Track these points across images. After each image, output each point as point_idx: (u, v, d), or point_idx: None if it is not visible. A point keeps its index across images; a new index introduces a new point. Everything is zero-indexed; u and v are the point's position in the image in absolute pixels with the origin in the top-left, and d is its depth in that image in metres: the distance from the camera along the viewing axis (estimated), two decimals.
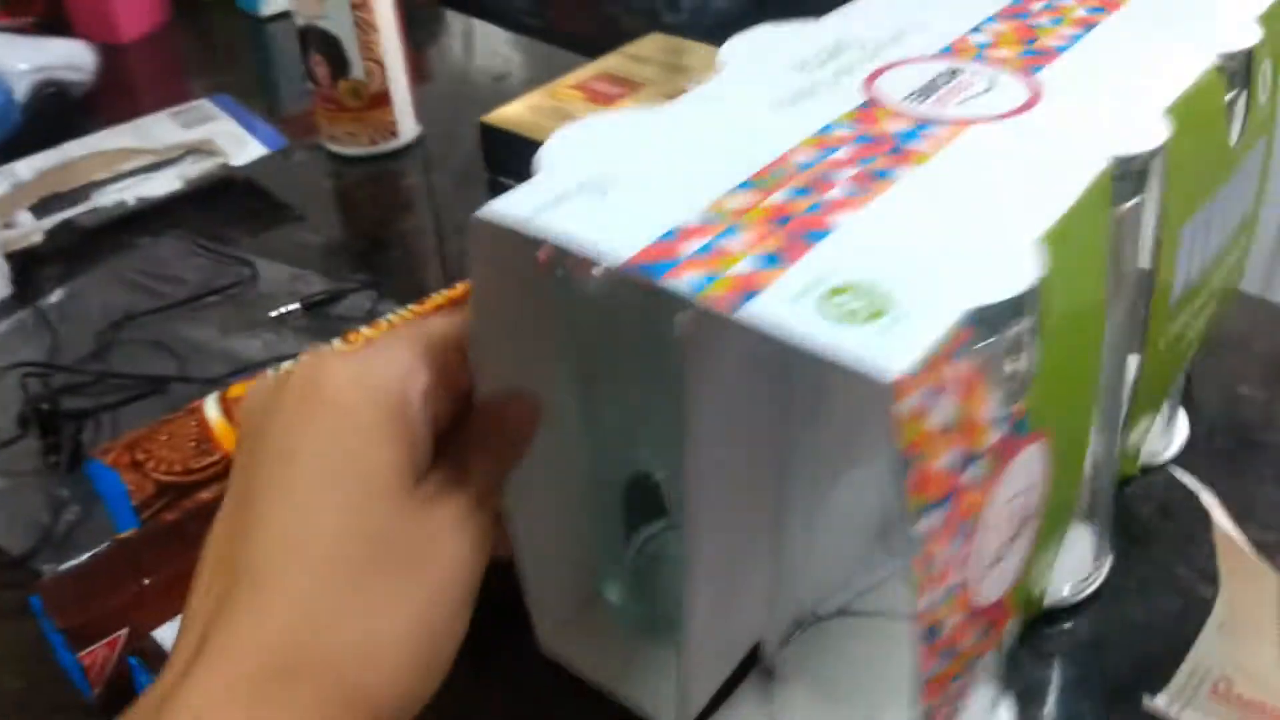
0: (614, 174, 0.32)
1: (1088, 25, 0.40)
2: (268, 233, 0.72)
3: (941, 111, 0.35)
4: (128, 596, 0.41)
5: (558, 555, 0.42)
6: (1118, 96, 0.35)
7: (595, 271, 0.33)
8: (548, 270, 0.34)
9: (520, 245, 0.30)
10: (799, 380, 0.35)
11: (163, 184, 0.72)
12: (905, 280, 0.27)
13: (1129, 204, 0.34)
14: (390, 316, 0.55)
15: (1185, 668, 0.41)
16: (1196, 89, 0.36)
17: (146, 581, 0.42)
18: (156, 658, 0.40)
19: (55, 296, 0.65)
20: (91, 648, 0.41)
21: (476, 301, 0.33)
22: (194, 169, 0.73)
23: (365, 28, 0.74)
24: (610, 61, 0.80)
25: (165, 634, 0.41)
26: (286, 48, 0.97)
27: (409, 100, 0.79)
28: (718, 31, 0.42)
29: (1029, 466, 0.30)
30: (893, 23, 0.41)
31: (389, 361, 0.32)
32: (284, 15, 0.99)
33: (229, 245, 0.69)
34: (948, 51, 0.39)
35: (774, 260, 0.28)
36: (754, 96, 0.36)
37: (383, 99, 0.77)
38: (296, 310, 0.63)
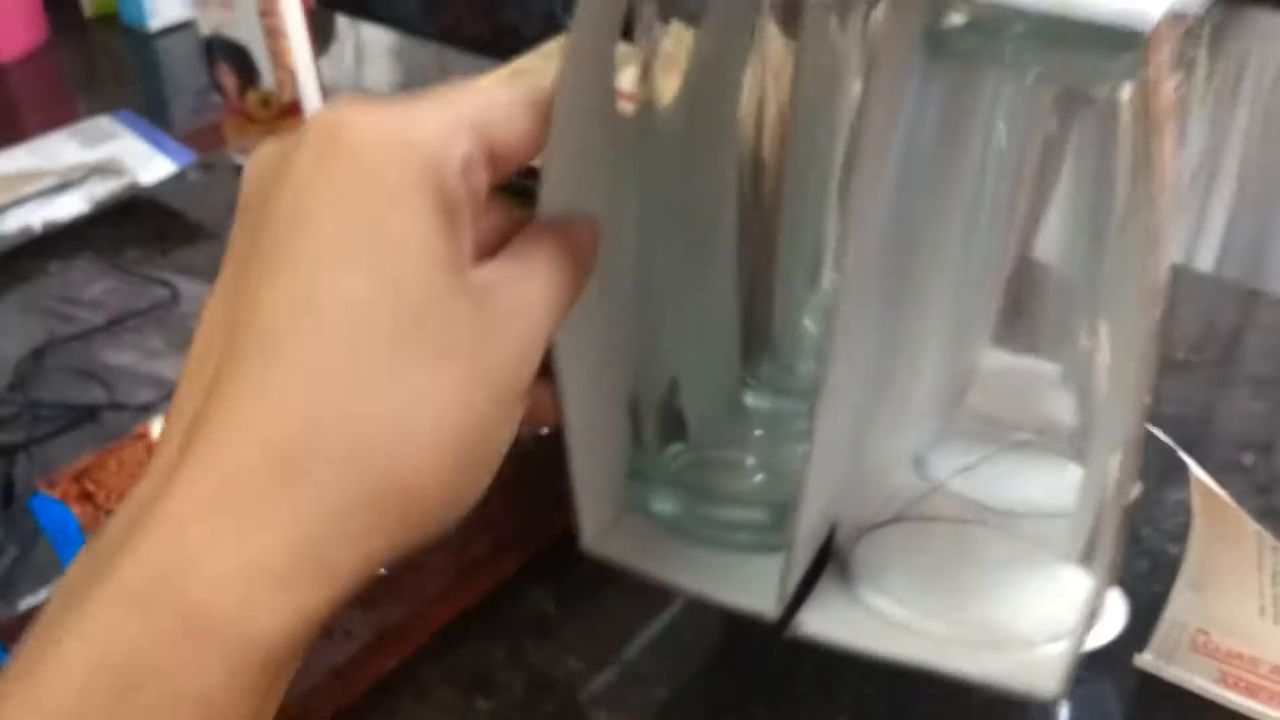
0: None
1: None
2: (183, 251, 0.69)
3: None
4: None
5: (606, 448, 0.40)
6: None
7: None
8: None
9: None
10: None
11: (69, 206, 0.69)
12: None
13: None
14: None
15: (1162, 626, 0.42)
16: None
17: None
18: None
19: None
20: None
21: (557, 115, 0.30)
22: (101, 189, 0.70)
23: (274, 35, 0.71)
24: (525, 61, 0.79)
25: None
26: (179, 61, 0.94)
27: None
28: None
29: None
30: None
31: (421, 120, 0.26)
32: (174, 29, 0.96)
33: (144, 266, 0.66)
34: None
35: None
36: None
37: (294, 109, 0.75)
38: None
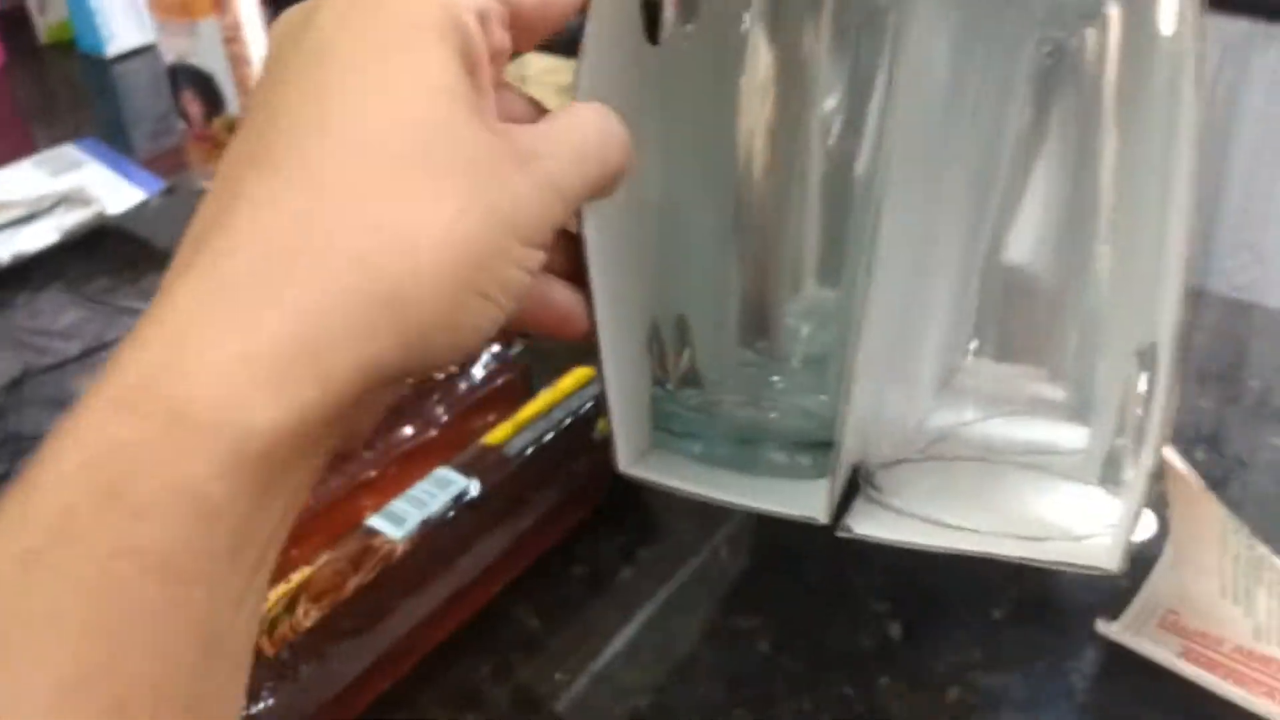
0: None
1: None
2: (153, 279, 0.69)
3: None
4: None
5: (636, 374, 0.41)
6: None
7: None
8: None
9: None
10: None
11: (38, 237, 0.69)
12: None
13: None
14: None
15: (1138, 602, 0.44)
16: None
17: None
18: None
19: None
20: None
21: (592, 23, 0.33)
22: (69, 219, 0.70)
23: (238, 62, 0.72)
24: None
25: None
26: (137, 87, 0.94)
27: None
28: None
29: None
30: None
31: None
32: (131, 54, 0.96)
33: (115, 296, 0.67)
34: None
35: None
36: None
37: None
38: None
